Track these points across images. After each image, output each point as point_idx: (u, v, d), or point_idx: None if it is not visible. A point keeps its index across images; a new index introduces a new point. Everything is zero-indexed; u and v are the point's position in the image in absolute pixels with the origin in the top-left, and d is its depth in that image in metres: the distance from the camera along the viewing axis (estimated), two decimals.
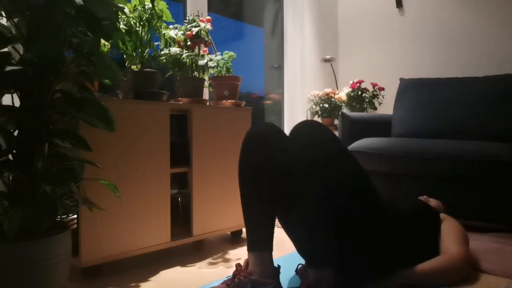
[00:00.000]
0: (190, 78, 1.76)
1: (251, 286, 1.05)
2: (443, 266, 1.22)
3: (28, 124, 1.02)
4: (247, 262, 1.10)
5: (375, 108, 2.94)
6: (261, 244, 1.11)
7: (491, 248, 1.57)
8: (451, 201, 1.89)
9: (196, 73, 1.77)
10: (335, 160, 1.06)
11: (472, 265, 1.37)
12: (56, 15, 1.02)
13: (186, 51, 1.71)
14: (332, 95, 2.93)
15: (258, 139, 1.16)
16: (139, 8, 1.55)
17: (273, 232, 1.15)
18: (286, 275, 1.32)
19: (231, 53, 1.91)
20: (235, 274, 1.08)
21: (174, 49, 1.68)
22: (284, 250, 1.68)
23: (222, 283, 1.08)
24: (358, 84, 2.90)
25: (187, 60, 1.74)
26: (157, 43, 1.68)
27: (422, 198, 1.64)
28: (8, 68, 0.95)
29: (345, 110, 2.91)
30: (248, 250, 1.12)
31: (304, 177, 1.05)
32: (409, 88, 2.57)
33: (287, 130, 3.12)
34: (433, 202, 1.61)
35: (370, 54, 3.29)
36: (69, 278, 1.34)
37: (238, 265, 1.10)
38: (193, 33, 1.71)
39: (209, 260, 1.56)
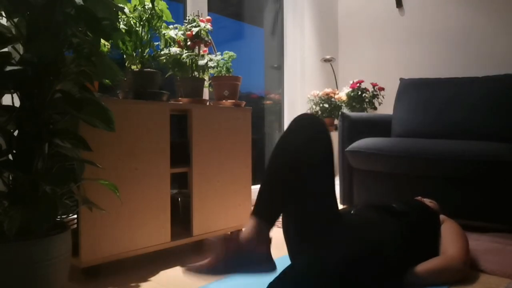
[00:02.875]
0: (190, 78, 1.76)
1: (243, 256, 1.05)
2: (441, 267, 1.23)
3: (28, 124, 1.02)
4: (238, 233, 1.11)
5: (375, 108, 2.94)
6: (267, 216, 1.11)
7: (491, 248, 1.58)
8: (451, 201, 1.89)
9: (196, 73, 1.77)
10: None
11: (471, 265, 1.38)
12: (56, 15, 1.02)
13: (186, 51, 1.71)
14: (332, 95, 2.93)
15: (308, 127, 1.18)
16: (139, 8, 1.55)
17: (280, 214, 1.15)
18: None
19: (231, 53, 1.91)
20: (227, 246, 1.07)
21: (174, 49, 1.68)
22: (284, 250, 1.68)
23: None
24: (358, 84, 2.90)
25: (187, 60, 1.74)
26: (157, 43, 1.68)
27: (417, 198, 1.65)
28: (8, 68, 0.95)
29: (345, 110, 2.91)
30: (252, 214, 1.12)
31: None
32: (409, 88, 2.56)
33: None
34: (427, 202, 1.61)
35: (370, 54, 3.29)
36: (69, 278, 1.34)
37: (233, 233, 1.09)
38: (193, 33, 1.71)
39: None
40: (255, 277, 1.10)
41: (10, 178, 1.06)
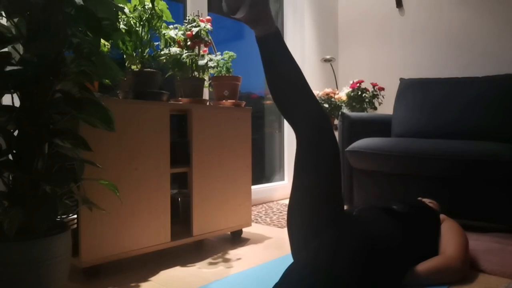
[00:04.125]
0: (190, 78, 1.76)
1: None
2: (441, 267, 1.23)
3: (28, 124, 1.02)
4: None
5: (375, 108, 2.94)
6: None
7: (491, 248, 1.57)
8: (451, 201, 1.90)
9: (196, 73, 1.77)
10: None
11: (471, 265, 1.38)
12: (56, 15, 1.02)
13: (186, 51, 1.71)
14: (332, 95, 2.93)
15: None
16: (139, 8, 1.55)
17: None
18: None
19: (231, 53, 1.91)
20: None
21: (174, 49, 1.68)
22: (284, 250, 1.68)
23: None
24: (358, 84, 2.90)
25: (187, 60, 1.74)
26: (157, 43, 1.68)
27: (418, 198, 1.65)
28: (8, 68, 0.95)
29: (345, 110, 2.91)
30: None
31: None
32: (409, 88, 2.56)
33: (286, 130, 3.12)
34: (427, 202, 1.61)
35: (370, 54, 3.29)
36: (69, 278, 1.34)
37: None
38: (193, 33, 1.71)
39: (209, 260, 1.56)
40: None
41: (10, 178, 1.06)
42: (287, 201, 2.87)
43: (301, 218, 1.17)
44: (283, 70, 1.16)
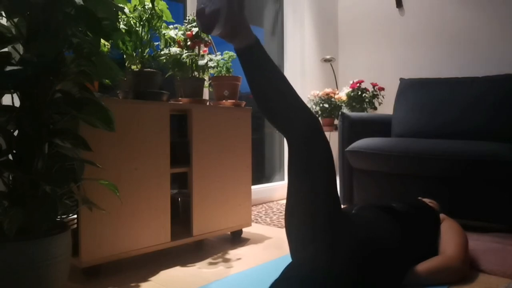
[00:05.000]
0: (190, 78, 1.76)
1: None
2: (441, 266, 1.23)
3: (28, 124, 1.02)
4: None
5: (375, 108, 2.94)
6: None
7: (491, 248, 1.57)
8: (451, 201, 1.90)
9: (196, 73, 1.77)
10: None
11: (471, 265, 1.38)
12: (56, 15, 1.02)
13: (186, 51, 1.71)
14: (332, 95, 2.93)
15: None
16: (139, 8, 1.55)
17: None
18: None
19: (231, 53, 1.91)
20: None
21: (174, 49, 1.68)
22: (284, 250, 1.68)
23: None
24: (358, 84, 2.89)
25: (187, 60, 1.74)
26: (157, 43, 1.68)
27: (418, 198, 1.65)
28: (8, 68, 0.95)
29: (345, 110, 2.91)
30: None
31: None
32: (409, 88, 2.56)
33: None
34: (427, 202, 1.61)
35: (370, 54, 3.29)
36: (69, 278, 1.34)
37: None
38: (193, 33, 1.71)
39: (209, 260, 1.56)
40: None
41: (10, 178, 1.06)
42: None
43: (298, 221, 1.17)
44: (267, 78, 1.14)
